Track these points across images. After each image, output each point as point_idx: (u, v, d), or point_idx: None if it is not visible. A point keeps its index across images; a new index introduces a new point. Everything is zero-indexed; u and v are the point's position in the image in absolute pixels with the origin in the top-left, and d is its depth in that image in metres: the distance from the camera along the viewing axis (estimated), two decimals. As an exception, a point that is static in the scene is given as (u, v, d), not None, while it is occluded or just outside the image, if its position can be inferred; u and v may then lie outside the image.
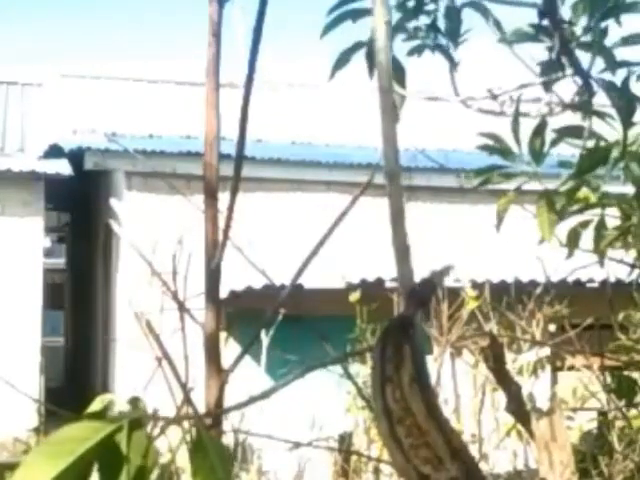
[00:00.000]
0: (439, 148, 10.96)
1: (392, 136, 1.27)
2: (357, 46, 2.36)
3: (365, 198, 1.56)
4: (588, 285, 7.75)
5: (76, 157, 10.64)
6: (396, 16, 2.37)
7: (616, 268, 2.91)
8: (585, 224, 2.51)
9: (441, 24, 2.40)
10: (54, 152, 11.06)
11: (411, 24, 2.39)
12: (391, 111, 1.28)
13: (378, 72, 1.30)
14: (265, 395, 1.31)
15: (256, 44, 1.47)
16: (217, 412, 1.32)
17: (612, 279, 3.30)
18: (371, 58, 2.30)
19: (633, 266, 2.80)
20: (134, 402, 1.21)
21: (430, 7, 2.38)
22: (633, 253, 2.76)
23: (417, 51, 2.41)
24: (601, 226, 2.48)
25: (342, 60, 2.40)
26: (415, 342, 1.12)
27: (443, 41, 2.40)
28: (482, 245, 9.53)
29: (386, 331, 1.16)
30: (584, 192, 2.40)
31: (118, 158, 10.59)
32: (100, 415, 1.12)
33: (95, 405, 1.18)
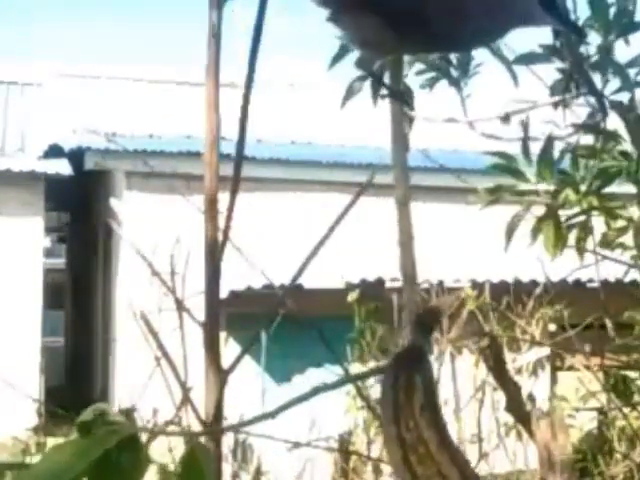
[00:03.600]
0: (439, 148, 10.96)
1: (403, 164, 1.28)
2: (367, 75, 2.36)
3: (365, 198, 1.56)
4: (588, 285, 7.75)
5: (76, 157, 10.65)
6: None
7: (616, 268, 2.91)
8: (572, 226, 2.51)
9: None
10: (54, 152, 11.07)
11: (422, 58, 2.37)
12: (402, 139, 1.29)
13: (390, 104, 1.31)
14: (273, 414, 1.31)
15: (256, 44, 1.47)
16: (221, 429, 1.32)
17: (612, 279, 3.30)
18: (375, 87, 2.30)
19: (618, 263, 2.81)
20: (128, 413, 1.20)
21: None
22: (629, 253, 2.76)
23: (429, 85, 2.39)
24: (585, 228, 2.49)
25: (352, 90, 2.39)
26: (426, 371, 1.15)
27: (455, 74, 2.38)
28: (482, 245, 9.53)
29: (397, 360, 1.18)
30: (569, 194, 2.41)
31: (118, 158, 10.59)
32: (89, 427, 1.10)
33: (86, 415, 1.16)
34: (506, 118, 2.39)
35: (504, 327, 5.25)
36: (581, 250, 2.52)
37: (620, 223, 2.51)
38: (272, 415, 1.30)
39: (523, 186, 2.37)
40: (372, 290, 6.15)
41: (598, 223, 2.60)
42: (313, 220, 8.19)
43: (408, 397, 1.12)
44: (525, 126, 2.33)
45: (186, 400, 1.52)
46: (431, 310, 1.23)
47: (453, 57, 2.38)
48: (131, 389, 4.35)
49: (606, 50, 2.23)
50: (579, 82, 2.27)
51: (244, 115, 1.49)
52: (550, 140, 2.32)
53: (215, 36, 1.55)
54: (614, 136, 2.30)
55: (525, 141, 2.31)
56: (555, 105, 2.33)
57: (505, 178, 2.47)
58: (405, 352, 1.18)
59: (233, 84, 3.11)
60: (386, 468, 5.16)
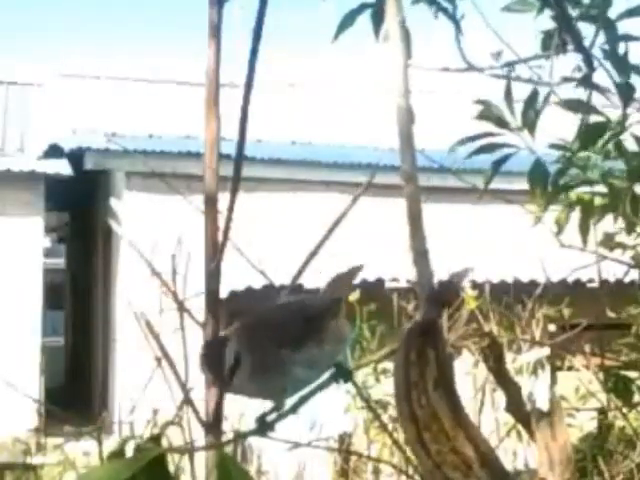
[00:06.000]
0: (439, 148, 10.95)
1: (408, 137, 1.27)
2: (363, 7, 2.31)
3: (365, 198, 1.56)
4: (588, 285, 7.75)
5: (76, 157, 10.64)
6: None
7: (616, 268, 2.91)
8: (573, 204, 2.49)
9: None
10: (54, 152, 11.06)
11: None
12: (407, 112, 1.27)
13: (394, 75, 1.29)
14: (304, 400, 1.31)
15: (256, 44, 1.47)
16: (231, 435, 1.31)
17: (612, 279, 3.30)
18: (376, 18, 2.27)
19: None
20: (155, 440, 1.19)
21: None
22: (629, 253, 2.76)
23: (416, 1, 2.35)
24: (589, 206, 2.47)
25: (347, 21, 2.34)
26: (439, 346, 1.11)
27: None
28: (482, 245, 9.53)
29: (409, 335, 1.14)
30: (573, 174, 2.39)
31: (118, 158, 10.59)
32: (119, 455, 1.11)
33: (116, 445, 1.17)
34: (497, 55, 2.37)
35: (504, 327, 5.25)
36: (584, 230, 2.50)
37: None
38: (294, 410, 1.30)
39: (507, 137, 2.35)
40: (372, 290, 6.14)
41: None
42: (313, 220, 8.19)
43: (421, 373, 1.08)
44: (509, 70, 2.32)
45: (186, 400, 1.52)
46: (447, 285, 1.19)
47: None
48: (131, 389, 4.35)
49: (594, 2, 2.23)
50: (567, 36, 2.26)
51: (244, 115, 1.49)
52: (536, 89, 2.31)
53: (215, 36, 1.55)
54: (602, 89, 2.29)
55: (508, 85, 2.29)
56: (546, 57, 2.32)
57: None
58: (417, 327, 1.14)
59: (233, 84, 3.11)
60: (386, 468, 5.15)
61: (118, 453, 1.12)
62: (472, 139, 2.42)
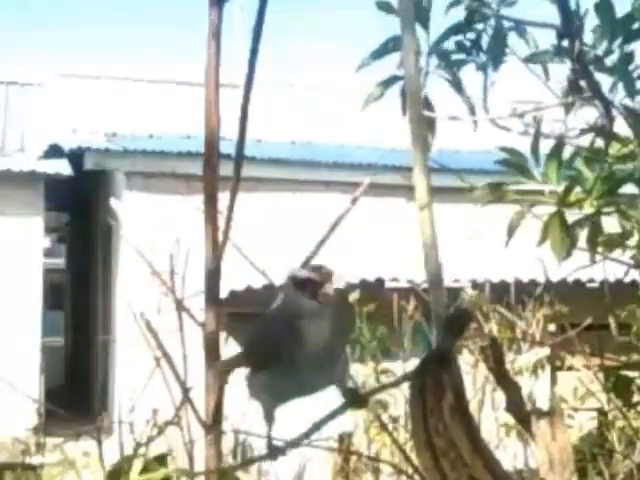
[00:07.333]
0: (439, 148, 10.94)
1: (424, 166, 1.28)
2: (392, 80, 2.34)
3: (365, 198, 1.56)
4: (588, 285, 7.75)
5: (76, 157, 10.64)
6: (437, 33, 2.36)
7: (616, 268, 2.90)
8: (580, 223, 2.49)
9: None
10: (54, 152, 11.06)
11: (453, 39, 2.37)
12: (422, 140, 1.28)
13: (409, 105, 1.29)
14: (316, 427, 1.32)
15: (256, 44, 1.47)
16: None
17: (612, 279, 3.29)
18: (406, 96, 2.29)
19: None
20: (161, 460, 1.19)
21: (479, 26, 2.36)
22: (629, 253, 2.75)
23: (458, 65, 2.39)
24: (595, 230, 2.46)
25: (376, 94, 2.38)
26: (454, 374, 1.12)
27: (483, 59, 2.38)
28: (482, 245, 9.53)
29: (424, 362, 1.15)
30: (577, 194, 2.38)
31: (118, 158, 10.59)
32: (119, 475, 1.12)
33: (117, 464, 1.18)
34: (520, 114, 2.38)
35: (504, 327, 5.25)
36: (593, 249, 2.49)
37: (629, 225, 2.48)
38: (307, 435, 1.31)
39: (528, 185, 2.35)
40: (372, 290, 6.14)
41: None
42: (313, 220, 8.18)
43: (437, 401, 1.09)
44: (537, 124, 2.32)
45: (186, 400, 1.52)
46: (461, 313, 1.20)
47: (484, 42, 2.38)
48: (131, 389, 4.34)
49: (611, 54, 2.23)
50: (586, 86, 2.27)
51: (244, 115, 1.49)
52: (561, 141, 2.31)
53: (215, 36, 1.55)
54: (622, 140, 2.29)
55: (536, 139, 2.29)
56: (566, 108, 2.33)
57: (508, 177, 2.45)
58: (432, 355, 1.16)
59: (233, 84, 3.12)
60: (386, 468, 5.15)
61: (118, 473, 1.12)
62: (495, 186, 2.43)
